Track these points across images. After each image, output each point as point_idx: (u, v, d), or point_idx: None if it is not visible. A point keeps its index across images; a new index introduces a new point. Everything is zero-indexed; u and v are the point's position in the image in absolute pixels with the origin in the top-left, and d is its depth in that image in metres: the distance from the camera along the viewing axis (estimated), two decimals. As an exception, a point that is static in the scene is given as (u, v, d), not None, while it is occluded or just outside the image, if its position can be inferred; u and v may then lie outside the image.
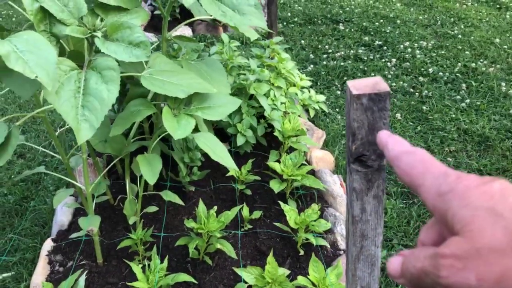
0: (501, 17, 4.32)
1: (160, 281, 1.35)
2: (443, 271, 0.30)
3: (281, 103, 2.18)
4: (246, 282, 1.41)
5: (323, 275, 1.36)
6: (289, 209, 1.65)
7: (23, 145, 2.34)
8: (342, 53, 3.55)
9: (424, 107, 2.79)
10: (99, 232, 1.65)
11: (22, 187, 2.12)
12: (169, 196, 1.58)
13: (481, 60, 3.40)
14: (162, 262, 1.40)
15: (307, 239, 1.63)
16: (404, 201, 2.03)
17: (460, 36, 3.84)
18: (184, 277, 1.40)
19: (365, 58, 3.47)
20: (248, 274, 1.40)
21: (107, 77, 1.13)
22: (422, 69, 3.26)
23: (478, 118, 2.67)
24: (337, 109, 2.79)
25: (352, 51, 3.59)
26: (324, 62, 3.39)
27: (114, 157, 1.64)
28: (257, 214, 1.74)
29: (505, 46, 3.62)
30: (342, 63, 3.36)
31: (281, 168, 1.83)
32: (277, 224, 1.72)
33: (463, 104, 2.81)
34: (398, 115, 2.71)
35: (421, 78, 3.14)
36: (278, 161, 1.95)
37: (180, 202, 1.61)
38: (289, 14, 4.38)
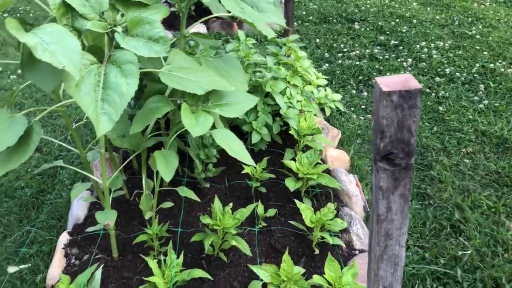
0: (520, 18, 4.25)
1: (176, 276, 1.35)
2: None
3: (297, 101, 2.17)
4: (261, 280, 1.40)
5: (339, 275, 1.35)
6: (305, 208, 1.64)
7: (40, 139, 2.37)
8: (358, 52, 3.52)
9: (440, 108, 2.75)
10: (115, 226, 1.66)
11: (39, 181, 2.14)
12: (185, 192, 1.59)
13: (500, 60, 3.34)
14: (178, 257, 1.40)
15: (322, 238, 1.62)
16: (420, 202, 2.01)
17: (478, 36, 3.78)
18: (199, 273, 1.40)
19: (381, 57, 3.44)
20: (263, 271, 1.39)
21: (127, 71, 1.14)
22: (439, 69, 3.22)
23: (497, 120, 2.62)
24: (352, 108, 2.77)
25: (367, 50, 3.55)
26: (339, 61, 3.37)
27: (131, 152, 1.65)
28: (271, 212, 1.74)
29: (524, 47, 3.55)
30: (357, 62, 3.33)
31: (297, 167, 1.82)
32: (292, 222, 1.71)
33: (481, 105, 2.76)
34: (414, 116, 2.67)
35: (437, 79, 3.10)
36: (294, 159, 1.94)
37: (196, 198, 1.61)
38: (304, 12, 4.36)
